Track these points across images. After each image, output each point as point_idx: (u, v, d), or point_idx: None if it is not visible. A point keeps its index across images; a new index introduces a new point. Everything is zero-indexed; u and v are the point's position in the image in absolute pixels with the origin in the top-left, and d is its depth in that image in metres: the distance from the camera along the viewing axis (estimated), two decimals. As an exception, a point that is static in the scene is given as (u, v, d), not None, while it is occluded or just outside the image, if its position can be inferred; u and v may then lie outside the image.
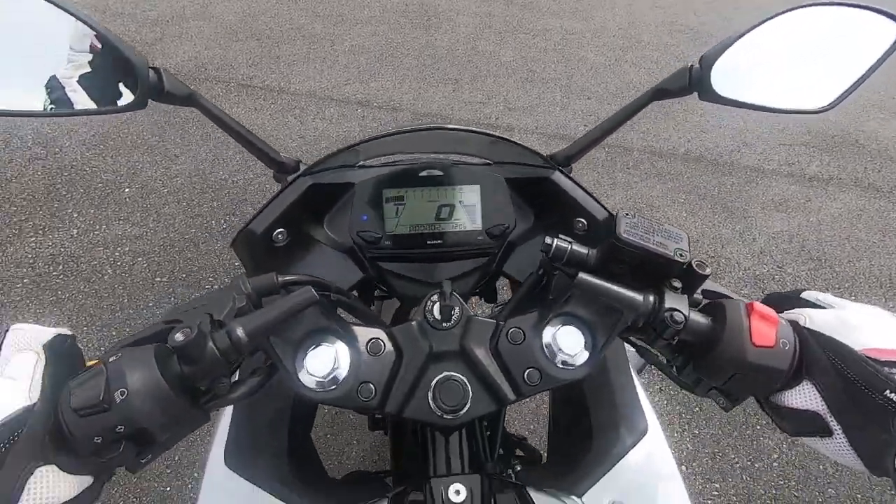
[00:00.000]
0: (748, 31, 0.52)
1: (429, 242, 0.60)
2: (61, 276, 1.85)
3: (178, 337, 0.35)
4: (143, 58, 0.46)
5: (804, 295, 0.44)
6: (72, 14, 0.43)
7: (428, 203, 0.60)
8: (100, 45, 0.45)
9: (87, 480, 0.34)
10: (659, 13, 4.87)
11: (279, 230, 0.56)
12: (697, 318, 0.41)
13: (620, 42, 4.15)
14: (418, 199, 0.60)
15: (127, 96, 0.47)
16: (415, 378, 0.43)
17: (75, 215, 2.08)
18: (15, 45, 0.43)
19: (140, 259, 1.94)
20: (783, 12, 0.51)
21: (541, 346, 0.43)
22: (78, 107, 0.46)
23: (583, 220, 0.60)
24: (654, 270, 0.41)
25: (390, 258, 0.60)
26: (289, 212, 0.57)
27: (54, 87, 0.44)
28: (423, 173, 0.59)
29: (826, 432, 0.37)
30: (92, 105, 0.47)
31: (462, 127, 0.60)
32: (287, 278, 0.44)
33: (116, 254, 1.95)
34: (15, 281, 1.81)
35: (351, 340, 0.42)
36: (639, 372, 0.67)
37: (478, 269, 0.62)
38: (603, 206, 0.60)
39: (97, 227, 2.04)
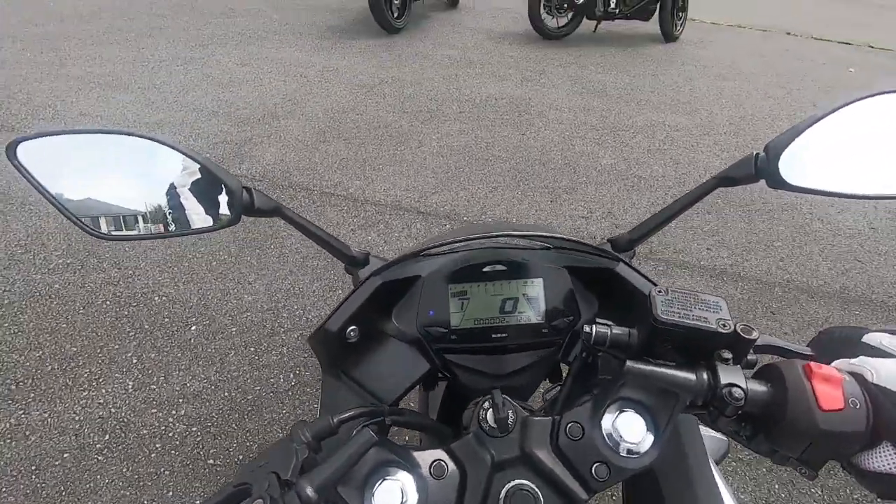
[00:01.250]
0: (818, 119, 0.51)
1: (493, 336, 0.60)
2: (105, 452, 1.55)
3: None
4: (237, 180, 0.52)
5: (866, 339, 0.42)
6: (175, 149, 0.50)
7: (491, 297, 0.60)
8: (199, 173, 0.51)
9: None
10: (772, 104, 4.34)
11: (352, 328, 0.58)
12: (756, 388, 0.39)
13: (734, 140, 3.65)
14: (482, 293, 0.60)
15: (223, 215, 0.52)
16: (483, 494, 0.42)
17: (135, 360, 1.83)
18: (131, 179, 0.50)
19: (194, 429, 1.62)
20: (857, 100, 0.50)
21: (602, 438, 0.42)
22: (182, 228, 0.51)
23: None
24: (701, 345, 0.40)
25: (456, 351, 0.60)
26: (360, 310, 0.58)
27: (162, 212, 0.50)
28: (487, 268, 0.60)
29: None
30: (193, 225, 0.52)
31: (527, 233, 0.63)
32: (343, 416, 0.45)
33: (170, 420, 1.64)
34: (54, 457, 1.53)
35: (414, 468, 0.42)
36: (718, 462, 0.64)
37: (542, 360, 0.62)
38: None
39: (155, 378, 1.77)
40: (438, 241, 0.60)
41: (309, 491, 0.36)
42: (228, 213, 0.52)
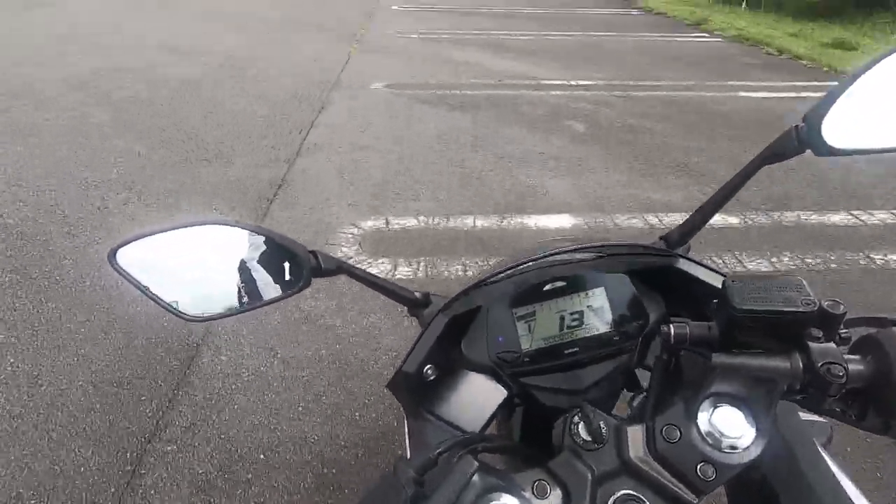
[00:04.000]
0: (853, 80, 0.48)
1: (566, 352, 0.59)
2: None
3: None
4: (303, 246, 0.53)
5: None
6: (245, 228, 0.53)
7: (556, 314, 0.60)
8: (265, 245, 0.53)
9: None
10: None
11: (428, 367, 0.59)
12: (856, 362, 0.38)
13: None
14: (547, 312, 0.60)
15: (294, 281, 0.54)
16: None
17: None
18: (211, 263, 0.53)
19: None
20: (887, 55, 0.48)
21: (701, 437, 0.41)
22: (255, 301, 0.54)
23: (716, 299, 0.53)
24: (787, 327, 0.38)
25: (530, 373, 0.60)
26: (433, 349, 0.58)
27: (238, 289, 0.53)
28: (547, 287, 0.60)
29: None
30: (266, 297, 0.54)
31: (579, 246, 0.63)
32: (441, 449, 0.44)
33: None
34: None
35: (516, 490, 0.40)
36: (825, 445, 0.61)
37: (618, 369, 0.61)
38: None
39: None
40: (494, 270, 0.60)
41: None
42: (299, 278, 0.53)
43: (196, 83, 4.70)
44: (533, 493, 0.41)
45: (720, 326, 0.41)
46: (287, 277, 0.54)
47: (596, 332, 0.59)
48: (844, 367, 0.36)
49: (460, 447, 0.46)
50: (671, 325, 0.42)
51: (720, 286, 0.43)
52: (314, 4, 9.33)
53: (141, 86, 4.54)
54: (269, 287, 0.54)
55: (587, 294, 0.60)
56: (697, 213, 0.62)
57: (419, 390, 0.59)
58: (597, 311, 0.60)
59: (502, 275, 0.60)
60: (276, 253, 0.53)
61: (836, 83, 0.50)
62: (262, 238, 0.53)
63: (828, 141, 0.50)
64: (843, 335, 0.40)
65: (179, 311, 0.52)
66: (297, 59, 5.68)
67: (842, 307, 0.38)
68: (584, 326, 0.60)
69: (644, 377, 0.61)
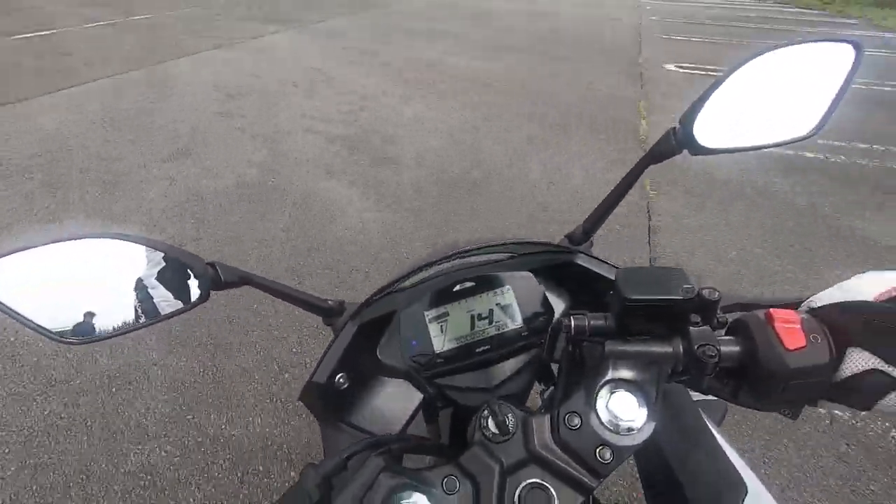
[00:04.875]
0: (718, 84, 0.52)
1: (477, 350, 0.59)
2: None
3: None
4: (199, 259, 0.51)
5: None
6: (137, 242, 0.49)
7: (467, 314, 0.60)
8: (163, 261, 0.50)
9: None
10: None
11: (340, 375, 0.58)
12: (728, 345, 0.41)
13: None
14: (458, 312, 0.60)
15: (191, 295, 0.51)
16: (497, 499, 0.42)
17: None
18: (97, 281, 0.49)
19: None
20: (746, 60, 0.51)
21: (599, 422, 0.43)
22: (151, 317, 0.50)
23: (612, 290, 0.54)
24: (671, 314, 0.41)
25: (445, 374, 0.60)
26: (344, 356, 0.58)
27: (131, 306, 0.50)
28: (457, 288, 0.60)
29: (893, 386, 0.36)
30: (163, 312, 0.51)
31: (483, 246, 0.62)
32: (350, 451, 0.45)
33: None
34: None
35: (426, 488, 0.41)
36: (718, 424, 0.65)
37: (530, 364, 0.62)
38: None
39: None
40: (404, 273, 0.61)
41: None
42: (197, 292, 0.51)
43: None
44: (443, 488, 0.42)
45: (614, 316, 0.43)
46: (184, 292, 0.52)
47: (505, 330, 0.60)
48: (717, 349, 0.39)
49: (371, 449, 0.46)
50: (571, 318, 0.44)
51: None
52: (549, 67, 6.42)
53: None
54: (163, 303, 0.51)
55: (495, 293, 0.61)
56: (595, 213, 0.66)
57: (332, 400, 0.58)
58: (505, 308, 0.61)
59: (412, 279, 0.61)
60: (173, 266, 0.51)
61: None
62: (158, 253, 0.50)
63: (700, 141, 0.53)
64: (720, 319, 0.43)
65: (54, 334, 0.47)
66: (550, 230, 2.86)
67: (717, 294, 0.41)
68: (494, 324, 0.61)
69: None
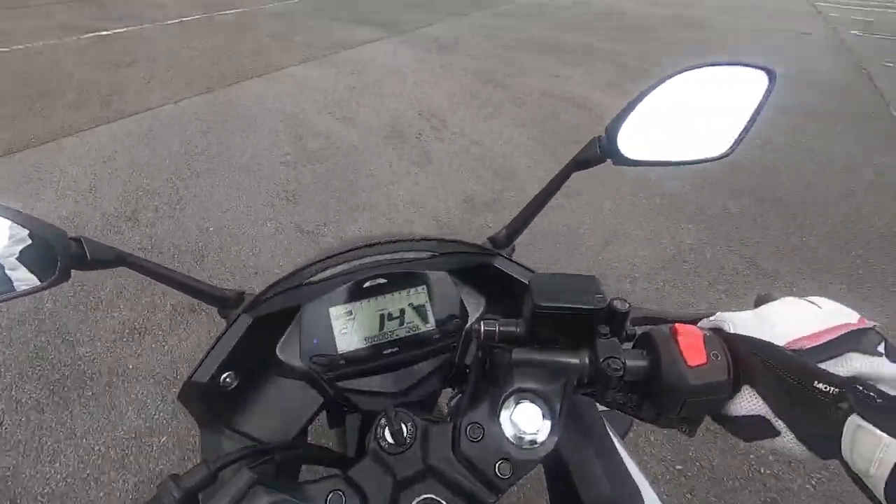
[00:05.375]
0: (641, 98, 0.53)
1: (384, 352, 0.56)
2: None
3: None
4: (61, 230, 0.44)
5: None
6: None
7: (376, 313, 0.57)
8: (22, 231, 0.43)
9: None
10: None
11: (227, 374, 0.52)
12: (633, 358, 0.40)
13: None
14: (366, 310, 0.56)
15: (50, 273, 0.44)
16: None
17: None
18: None
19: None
20: (668, 77, 0.52)
21: (502, 434, 0.41)
22: (12, 290, 0.44)
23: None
24: (581, 324, 0.40)
25: (349, 376, 0.56)
26: (234, 353, 0.52)
27: None
28: (367, 284, 0.57)
29: (774, 433, 0.37)
30: (18, 288, 0.44)
31: (395, 240, 0.59)
32: (219, 463, 0.42)
33: None
34: None
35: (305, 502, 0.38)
36: (623, 436, 0.65)
37: (440, 368, 0.59)
38: None
39: None
40: (309, 263, 0.57)
41: None
42: (55, 269, 0.44)
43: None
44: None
45: (525, 323, 0.42)
46: (45, 268, 0.44)
47: (416, 332, 0.57)
48: (623, 363, 0.38)
49: (248, 459, 0.44)
50: (481, 323, 0.42)
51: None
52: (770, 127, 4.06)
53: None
54: (17, 279, 0.44)
55: (408, 292, 0.58)
56: (519, 217, 0.63)
57: (216, 402, 0.52)
58: (418, 309, 0.58)
59: (319, 271, 0.57)
60: (35, 240, 0.44)
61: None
62: (14, 223, 0.43)
63: (623, 152, 0.54)
64: (628, 332, 0.42)
65: None
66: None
67: (627, 305, 0.40)
68: (405, 325, 0.57)
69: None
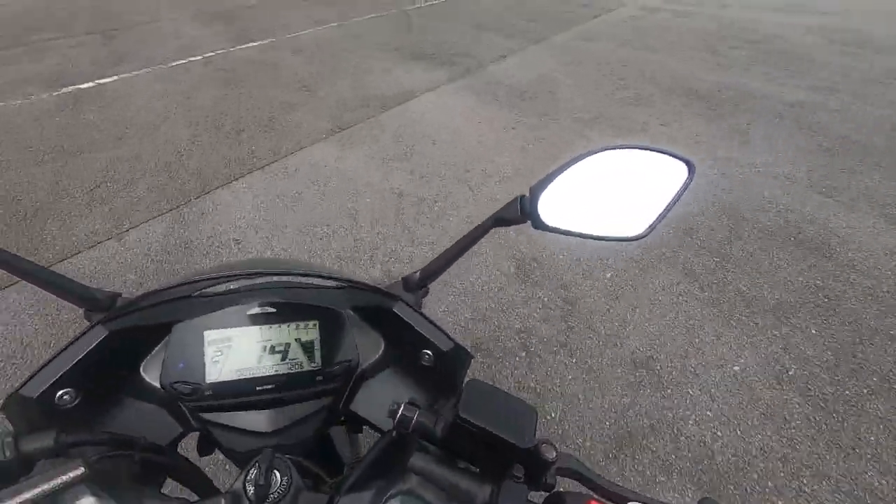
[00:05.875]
0: (567, 166, 0.52)
1: (258, 388, 0.50)
2: None
3: None
4: None
5: None
6: None
7: (257, 344, 0.51)
8: None
9: None
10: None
11: (65, 391, 0.45)
12: None
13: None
14: (246, 339, 0.51)
15: None
16: None
17: None
18: None
19: None
20: (595, 152, 0.52)
21: None
22: None
23: (429, 351, 0.54)
24: (498, 453, 0.38)
25: (215, 409, 0.50)
26: (80, 367, 0.46)
27: None
28: (253, 311, 0.51)
29: None
30: None
31: (291, 272, 0.53)
32: (73, 439, 0.39)
33: None
34: None
35: None
36: None
37: (321, 412, 0.53)
38: (449, 336, 0.55)
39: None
40: (190, 280, 0.51)
41: None
42: None
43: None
44: None
45: (446, 424, 0.40)
46: None
47: (299, 370, 0.52)
48: None
49: (108, 444, 0.42)
50: (402, 405, 0.41)
51: (441, 345, 0.49)
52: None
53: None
54: None
55: (297, 326, 0.53)
56: (435, 262, 0.59)
57: (47, 422, 0.43)
58: (305, 345, 0.53)
59: (203, 287, 0.52)
60: None
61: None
62: None
63: (542, 216, 0.53)
64: (549, 480, 0.40)
65: None
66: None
67: (554, 454, 0.38)
68: (286, 361, 0.52)
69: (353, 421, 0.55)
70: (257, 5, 8.12)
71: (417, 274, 0.60)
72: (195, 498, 0.46)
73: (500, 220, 0.54)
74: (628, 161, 0.53)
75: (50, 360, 0.44)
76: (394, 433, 0.43)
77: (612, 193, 0.54)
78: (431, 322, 0.55)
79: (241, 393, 0.50)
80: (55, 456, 0.38)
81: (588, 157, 0.52)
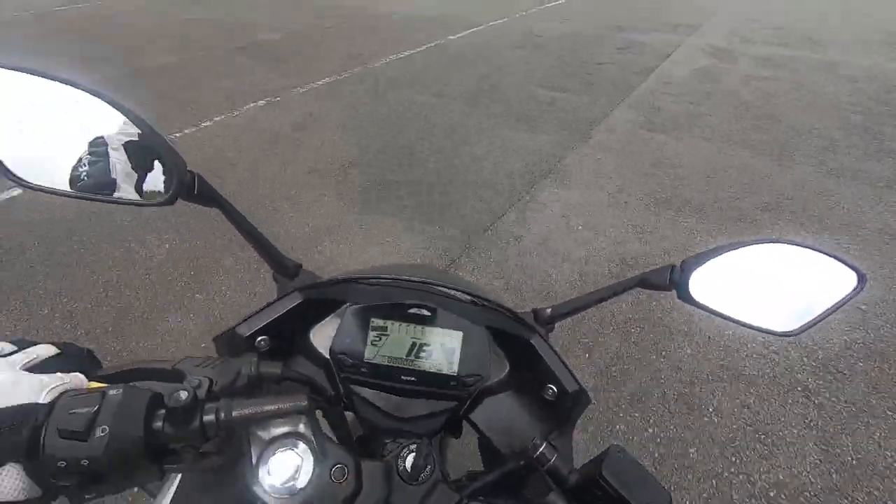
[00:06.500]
0: (727, 250, 0.52)
1: (402, 377, 0.57)
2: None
3: (177, 397, 0.36)
4: (183, 160, 0.47)
5: None
6: (121, 110, 0.44)
7: (410, 339, 0.58)
8: (141, 141, 0.45)
9: (36, 491, 0.34)
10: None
11: (263, 337, 0.56)
12: None
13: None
14: (401, 333, 0.58)
15: (157, 192, 0.47)
16: None
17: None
18: (65, 132, 0.45)
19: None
20: (761, 242, 0.52)
21: None
22: (107, 195, 0.47)
23: (553, 387, 0.57)
24: None
25: (362, 384, 0.58)
26: (276, 321, 0.56)
27: (89, 173, 0.46)
28: (412, 310, 0.58)
29: None
30: (122, 195, 0.47)
31: (458, 288, 0.59)
32: (291, 373, 0.46)
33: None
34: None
35: (319, 457, 0.41)
36: None
37: (445, 412, 0.58)
38: (575, 378, 0.57)
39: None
40: (371, 273, 0.60)
41: (222, 414, 0.37)
42: (164, 191, 0.47)
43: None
44: (330, 471, 0.41)
45: (580, 476, 0.44)
46: (150, 184, 0.47)
47: (439, 371, 0.57)
48: None
49: (310, 386, 0.49)
50: (544, 442, 0.45)
51: (567, 385, 0.53)
52: None
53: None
54: (124, 185, 0.47)
55: (445, 332, 0.58)
56: (570, 302, 0.61)
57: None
58: (447, 350, 0.57)
59: (376, 281, 0.59)
60: (149, 154, 0.46)
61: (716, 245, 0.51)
62: (137, 131, 0.45)
63: (692, 291, 0.53)
64: None
65: (6, 167, 0.45)
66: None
67: None
68: (430, 360, 0.57)
69: (468, 428, 0.60)
70: (177, 64, 5.33)
71: (549, 310, 0.61)
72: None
73: (646, 281, 0.54)
74: (795, 257, 0.51)
75: (258, 311, 0.54)
76: (521, 462, 0.47)
77: (770, 284, 0.53)
78: (562, 361, 0.57)
79: (388, 377, 0.56)
80: (277, 383, 0.44)
81: (750, 245, 0.51)
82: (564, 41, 6.03)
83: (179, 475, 0.50)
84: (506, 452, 0.53)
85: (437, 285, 0.58)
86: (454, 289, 0.59)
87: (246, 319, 0.54)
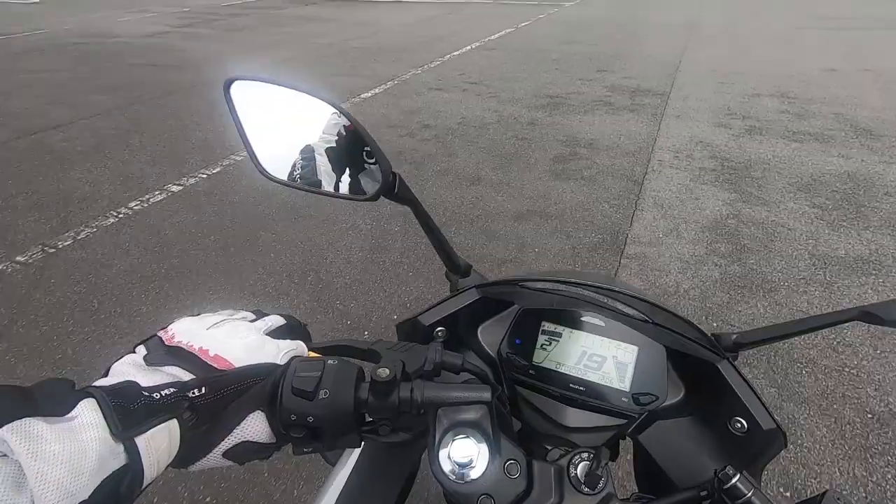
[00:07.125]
0: None
1: (571, 385, 0.56)
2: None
3: (380, 373, 0.39)
4: (390, 163, 0.52)
5: None
6: (348, 117, 0.52)
7: (580, 347, 0.57)
8: (359, 145, 0.52)
9: (271, 437, 0.40)
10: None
11: (441, 328, 0.59)
12: None
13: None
14: (573, 340, 0.57)
15: (366, 190, 0.55)
16: None
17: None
18: (304, 136, 0.55)
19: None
20: None
21: None
22: (328, 189, 0.56)
23: (743, 421, 0.52)
24: None
25: (528, 386, 0.58)
26: (453, 315, 0.59)
27: (318, 172, 0.55)
28: (586, 318, 0.57)
29: None
30: (340, 190, 0.56)
31: (634, 293, 0.57)
32: (469, 365, 0.47)
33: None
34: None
35: (494, 449, 0.42)
36: None
37: (612, 428, 0.56)
38: (772, 415, 0.51)
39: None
40: (545, 276, 0.60)
41: (417, 394, 0.40)
42: (369, 189, 0.53)
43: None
44: (503, 464, 0.42)
45: None
46: (359, 183, 0.54)
47: (609, 385, 0.55)
48: None
49: (487, 382, 0.49)
50: (737, 474, 0.42)
51: (761, 420, 0.47)
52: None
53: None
54: (340, 182, 0.54)
55: (619, 345, 0.56)
56: (764, 329, 0.55)
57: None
58: (620, 365, 0.56)
59: (550, 285, 0.60)
60: (362, 156, 0.52)
61: None
62: (358, 134, 0.51)
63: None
64: None
65: (258, 162, 0.55)
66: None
67: None
68: (601, 372, 0.56)
69: (626, 447, 0.59)
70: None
71: (734, 336, 0.55)
72: None
73: (870, 315, 0.47)
74: None
75: (439, 303, 0.57)
76: (701, 492, 0.44)
77: None
78: (755, 392, 0.52)
79: (556, 384, 0.55)
80: (456, 373, 0.46)
81: None
82: (463, 144, 3.63)
83: (357, 450, 0.55)
84: (675, 479, 0.51)
85: (617, 291, 0.57)
86: (633, 296, 0.56)
87: (427, 310, 0.57)
